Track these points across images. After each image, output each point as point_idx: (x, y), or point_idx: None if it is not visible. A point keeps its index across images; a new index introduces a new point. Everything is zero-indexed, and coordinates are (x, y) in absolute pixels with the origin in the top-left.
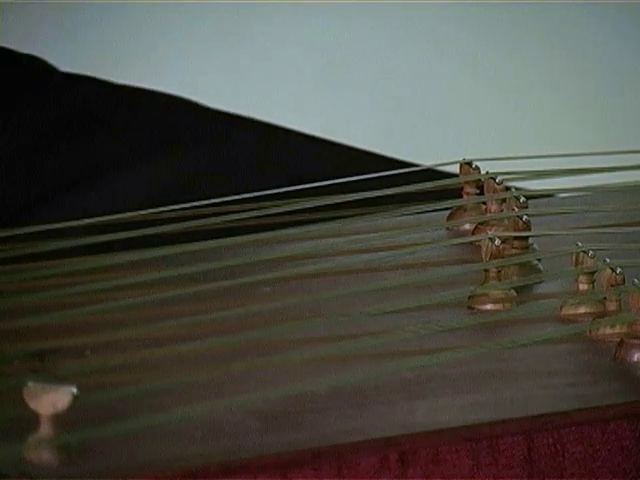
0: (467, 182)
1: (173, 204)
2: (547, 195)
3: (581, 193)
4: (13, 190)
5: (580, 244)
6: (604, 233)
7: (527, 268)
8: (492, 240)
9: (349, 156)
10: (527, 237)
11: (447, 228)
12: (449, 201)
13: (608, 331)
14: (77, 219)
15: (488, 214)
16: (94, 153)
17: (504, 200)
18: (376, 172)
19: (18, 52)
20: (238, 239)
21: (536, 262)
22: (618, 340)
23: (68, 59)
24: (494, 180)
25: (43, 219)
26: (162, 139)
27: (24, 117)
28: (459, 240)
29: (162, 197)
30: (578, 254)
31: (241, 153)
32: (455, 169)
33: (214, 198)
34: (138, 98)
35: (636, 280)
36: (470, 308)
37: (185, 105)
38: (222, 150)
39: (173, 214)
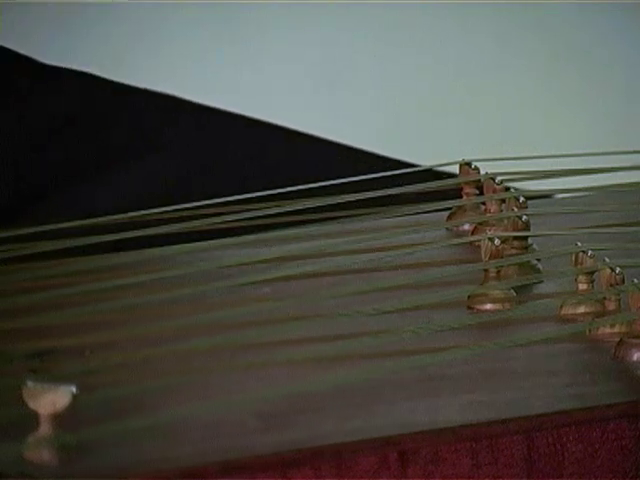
0: (466, 182)
1: (172, 204)
2: (547, 195)
3: (581, 193)
4: (10, 188)
5: (579, 244)
6: (603, 233)
7: (526, 268)
8: (492, 240)
9: (349, 156)
10: (526, 237)
11: (447, 228)
12: (449, 201)
13: (607, 330)
14: (78, 218)
15: (487, 214)
16: (92, 151)
17: (503, 200)
18: (376, 172)
19: (15, 51)
20: (238, 239)
21: (535, 262)
22: (617, 339)
23: (67, 59)
24: (493, 180)
25: (40, 218)
26: (161, 138)
27: (22, 115)
28: (459, 240)
29: (161, 196)
30: (577, 254)
31: (241, 153)
32: (454, 169)
33: (213, 198)
34: (136, 97)
35: (635, 280)
36: (470, 308)
37: (184, 104)
38: (222, 150)
39: (173, 214)
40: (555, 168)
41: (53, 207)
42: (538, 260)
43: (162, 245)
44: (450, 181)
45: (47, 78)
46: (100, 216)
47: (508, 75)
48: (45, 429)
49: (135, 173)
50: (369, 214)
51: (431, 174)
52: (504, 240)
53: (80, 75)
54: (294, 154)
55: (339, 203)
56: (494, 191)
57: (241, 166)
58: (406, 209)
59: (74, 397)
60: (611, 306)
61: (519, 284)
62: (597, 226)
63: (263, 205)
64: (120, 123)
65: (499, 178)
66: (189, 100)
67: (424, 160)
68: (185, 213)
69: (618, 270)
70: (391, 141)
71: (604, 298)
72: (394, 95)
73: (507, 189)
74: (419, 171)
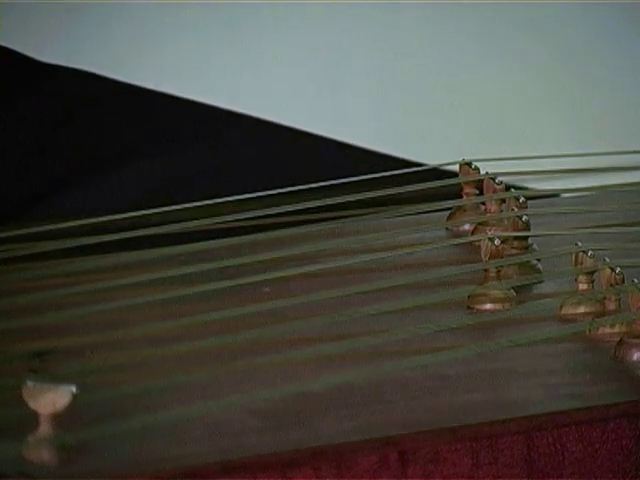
0: (466, 182)
1: (174, 203)
2: (547, 195)
3: (581, 193)
4: (11, 188)
5: (580, 244)
6: (604, 233)
7: (527, 268)
8: (492, 240)
9: (352, 154)
10: (527, 237)
11: (447, 228)
12: (449, 201)
13: (607, 330)
14: (78, 218)
15: (487, 214)
16: (92, 151)
17: (503, 200)
18: (378, 171)
19: (15, 51)
20: (238, 239)
21: (535, 262)
22: (617, 339)
23: (68, 59)
24: (493, 180)
25: (44, 217)
26: (162, 137)
27: (21, 115)
28: (459, 240)
29: (161, 195)
30: (577, 254)
31: (241, 151)
32: (454, 169)
33: (215, 197)
34: (138, 96)
35: (635, 280)
36: (469, 308)
37: (186, 104)
38: (223, 148)
39: (173, 214)
40: (555, 168)
41: (54, 207)
42: (538, 260)
43: (162, 245)
44: (450, 181)
45: (48, 77)
46: (101, 216)
47: (508, 75)
48: (45, 429)
49: (137, 173)
50: (369, 214)
51: (431, 174)
52: (504, 240)
53: (82, 74)
54: (298, 153)
55: (339, 203)
56: (494, 191)
57: (244, 166)
58: (406, 209)
59: (74, 397)
60: (611, 306)
61: (519, 284)
62: (597, 226)
63: (263, 205)
64: (122, 123)
65: (499, 178)
66: (191, 99)
67: (424, 160)
68: (185, 213)
69: (618, 270)
70: (391, 142)
71: (604, 298)
72: (394, 95)
73: (507, 189)
74: (420, 171)
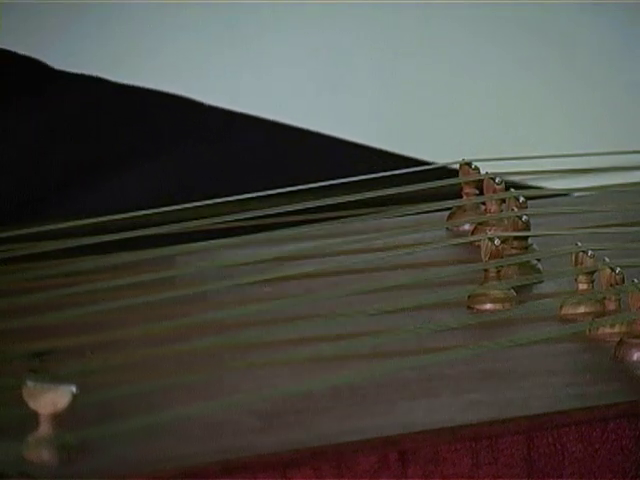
0: (466, 182)
1: (174, 203)
2: (550, 195)
3: (581, 193)
4: (14, 189)
5: (579, 244)
6: (604, 233)
7: (527, 268)
8: (492, 240)
9: (352, 153)
10: (526, 237)
11: (447, 228)
12: (449, 201)
13: (607, 330)
14: (78, 218)
15: (487, 214)
16: (95, 152)
17: (503, 200)
18: (378, 170)
19: (17, 53)
20: (238, 239)
21: (535, 262)
22: (617, 339)
23: (69, 60)
24: (493, 180)
25: (44, 218)
26: (163, 138)
27: (25, 117)
28: (459, 240)
29: (163, 196)
30: (577, 254)
31: (243, 151)
32: (456, 169)
33: (215, 197)
34: (139, 97)
35: (635, 280)
36: (470, 308)
37: (187, 103)
38: (225, 148)
39: (173, 214)
40: (555, 168)
41: (54, 207)
42: (538, 260)
43: (162, 245)
44: (450, 181)
45: (48, 79)
46: (101, 216)
47: (508, 75)
48: (45, 429)
49: (137, 173)
50: (369, 214)
51: (432, 174)
52: (504, 240)
53: (81, 76)
54: (299, 153)
55: (339, 203)
56: (494, 191)
57: (245, 166)
58: (406, 209)
59: (74, 397)
60: (611, 306)
61: (519, 284)
62: (597, 226)
63: (263, 205)
64: (122, 123)
65: (499, 178)
66: (191, 99)
67: (424, 160)
68: (185, 213)
69: (618, 270)
70: (390, 142)
71: (604, 298)
72: (394, 95)
73: (507, 189)
74: (420, 171)
